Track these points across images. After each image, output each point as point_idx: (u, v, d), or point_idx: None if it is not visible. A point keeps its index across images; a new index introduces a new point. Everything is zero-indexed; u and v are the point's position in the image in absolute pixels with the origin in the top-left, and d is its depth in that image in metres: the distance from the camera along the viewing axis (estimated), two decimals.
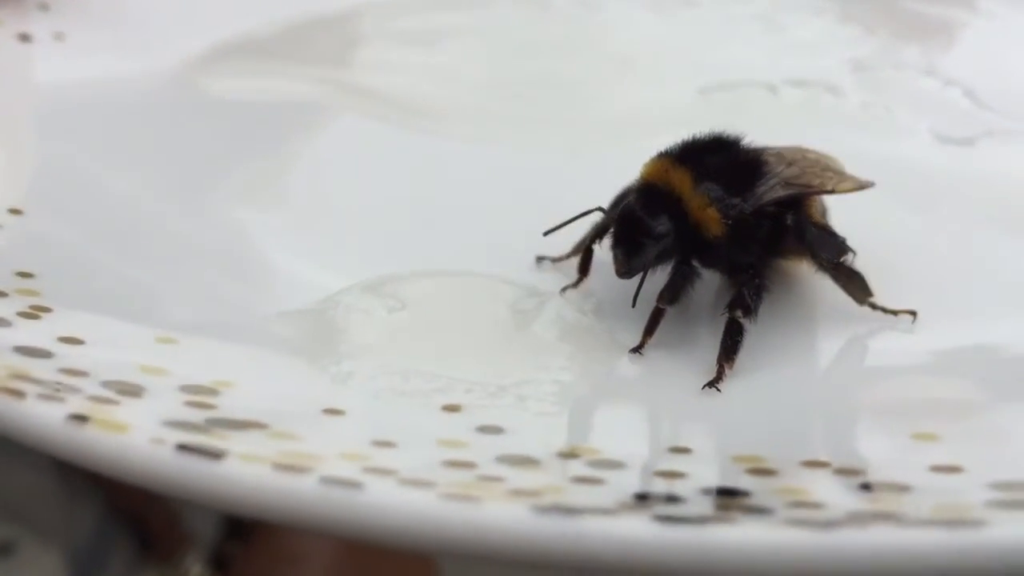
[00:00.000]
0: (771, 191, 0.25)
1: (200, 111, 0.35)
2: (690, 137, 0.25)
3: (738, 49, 0.39)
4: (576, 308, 0.26)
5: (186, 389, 0.20)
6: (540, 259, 0.27)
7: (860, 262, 0.26)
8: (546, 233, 0.25)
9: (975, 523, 0.15)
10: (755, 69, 0.37)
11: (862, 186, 0.26)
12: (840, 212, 0.27)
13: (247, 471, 0.16)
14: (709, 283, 0.25)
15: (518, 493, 0.16)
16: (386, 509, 0.15)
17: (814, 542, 0.14)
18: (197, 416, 0.18)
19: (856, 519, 0.15)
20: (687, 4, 0.42)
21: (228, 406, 0.19)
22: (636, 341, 0.24)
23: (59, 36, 0.35)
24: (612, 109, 0.36)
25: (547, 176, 0.32)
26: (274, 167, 0.32)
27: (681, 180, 0.24)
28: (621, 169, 0.26)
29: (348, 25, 0.40)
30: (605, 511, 0.15)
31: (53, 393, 0.18)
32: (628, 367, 0.24)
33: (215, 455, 0.16)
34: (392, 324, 0.24)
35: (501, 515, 0.15)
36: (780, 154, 0.26)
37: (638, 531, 0.15)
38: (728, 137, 0.26)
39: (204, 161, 0.32)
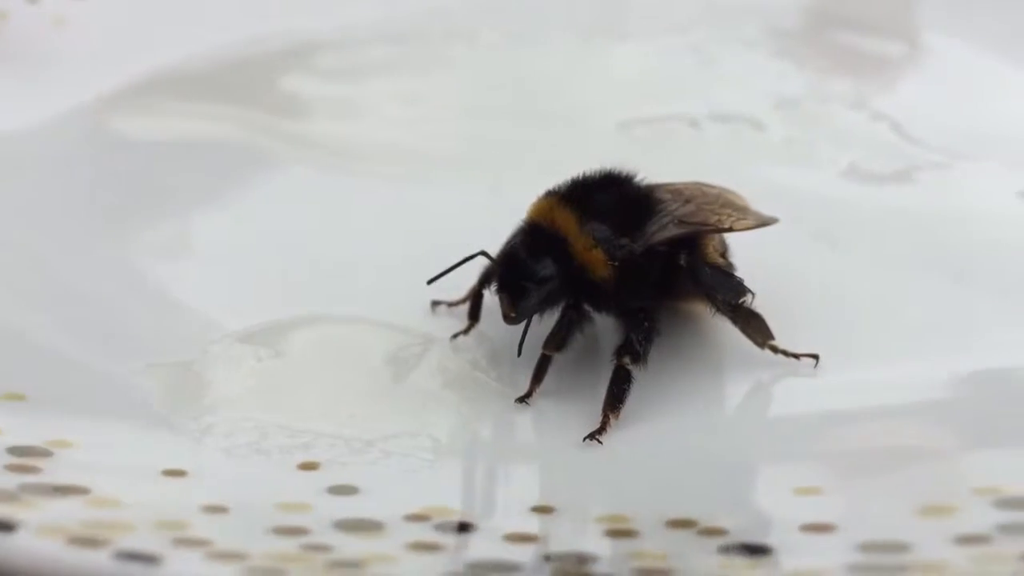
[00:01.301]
0: (663, 230, 0.23)
1: (113, 151, 0.34)
2: (580, 175, 0.24)
3: (664, 82, 0.38)
4: (463, 356, 0.24)
5: (13, 451, 0.19)
6: (435, 304, 0.26)
7: (768, 302, 0.24)
8: (430, 281, 0.24)
9: None
10: (680, 102, 0.36)
11: (764, 223, 0.25)
12: (749, 249, 0.26)
13: (38, 544, 0.15)
14: (607, 325, 0.24)
15: (335, 565, 0.15)
16: None
17: None
18: (11, 482, 0.17)
19: None
20: (621, 37, 0.41)
21: (55, 470, 0.18)
22: (525, 389, 0.23)
23: None
24: (538, 146, 0.34)
25: (462, 216, 0.30)
26: (173, 210, 0.31)
27: (566, 220, 0.23)
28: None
29: (273, 62, 0.39)
30: None
31: None
32: (514, 417, 0.23)
33: (7, 527, 0.15)
34: (261, 374, 0.23)
35: None
36: (678, 190, 0.25)
37: None
38: (619, 174, 0.24)
39: (102, 204, 0.31)
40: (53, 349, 0.24)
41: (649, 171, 0.30)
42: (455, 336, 0.25)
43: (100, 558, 0.14)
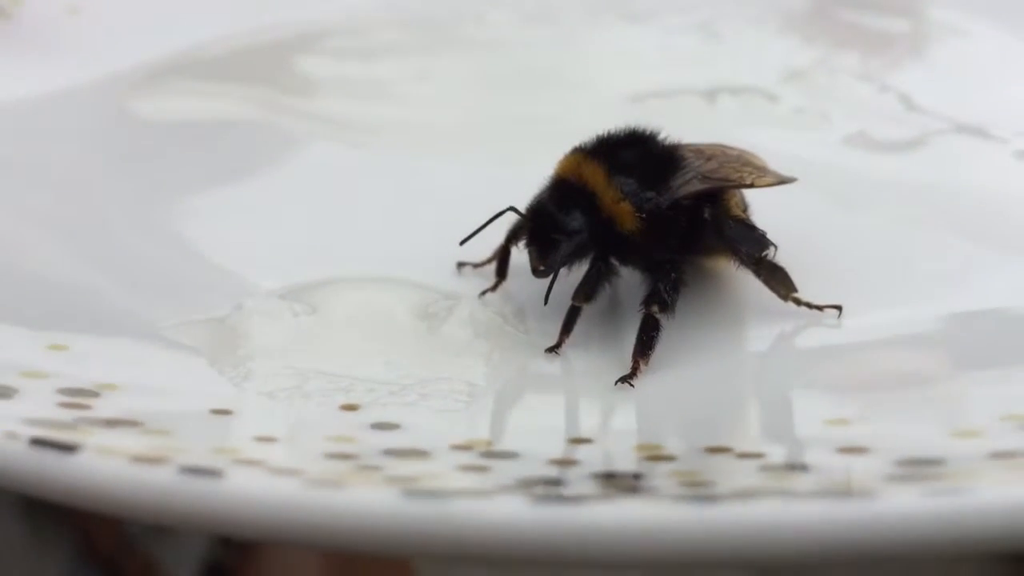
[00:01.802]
0: (687, 185, 0.24)
1: (132, 132, 0.34)
2: (605, 132, 0.25)
3: (675, 58, 0.38)
4: (493, 310, 0.25)
5: (64, 391, 0.19)
6: (461, 265, 0.26)
7: (784, 258, 0.25)
8: (462, 242, 0.24)
9: (863, 495, 0.14)
10: (691, 77, 0.36)
11: (783, 181, 0.26)
12: (765, 209, 0.26)
13: (101, 463, 0.15)
14: (633, 279, 0.25)
15: (391, 480, 0.15)
16: (247, 498, 0.15)
17: (687, 515, 0.13)
18: (67, 415, 0.18)
19: (741, 494, 0.14)
20: (628, 17, 0.41)
21: (104, 407, 0.18)
22: (554, 340, 0.23)
23: None
24: (552, 121, 0.35)
25: (482, 185, 0.31)
26: (203, 182, 0.32)
27: (594, 174, 0.23)
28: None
29: (286, 44, 0.40)
30: (479, 494, 0.15)
31: None
32: (544, 366, 0.23)
33: (69, 448, 0.15)
34: (298, 328, 0.23)
35: (366, 499, 0.14)
36: (700, 150, 0.26)
37: (508, 511, 0.14)
38: (644, 132, 0.25)
39: (138, 179, 0.31)
40: (94, 304, 0.24)
41: None
42: (483, 293, 0.25)
43: (165, 474, 0.15)
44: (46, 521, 0.39)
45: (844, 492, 0.14)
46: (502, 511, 0.14)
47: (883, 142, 0.33)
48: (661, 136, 0.25)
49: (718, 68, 0.37)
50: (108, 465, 0.15)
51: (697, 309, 0.24)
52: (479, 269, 0.26)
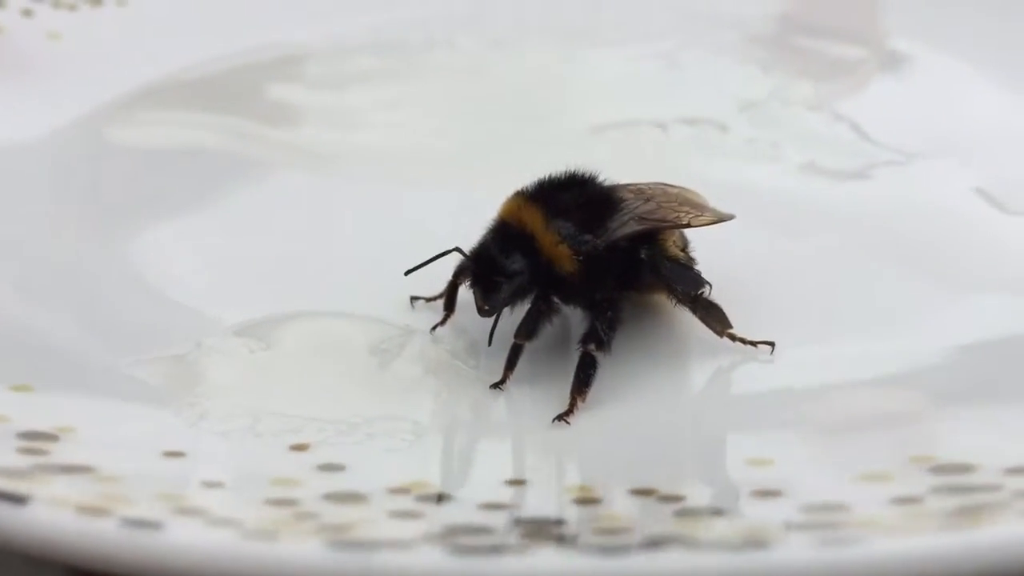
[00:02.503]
0: (624, 226, 0.25)
1: (107, 160, 0.35)
2: (546, 175, 0.26)
3: (636, 88, 0.39)
4: (442, 346, 0.26)
5: (23, 435, 0.20)
6: (414, 299, 0.27)
7: (730, 290, 0.26)
8: (407, 273, 0.25)
9: (770, 543, 0.15)
10: (649, 107, 0.37)
11: (721, 219, 0.27)
12: (710, 243, 0.27)
13: (49, 515, 0.16)
14: (576, 317, 0.26)
15: (323, 529, 0.16)
16: (185, 549, 0.16)
17: (592, 567, 0.14)
18: (24, 462, 0.19)
19: (652, 543, 0.15)
20: (596, 44, 0.42)
21: (62, 452, 0.19)
22: (499, 376, 0.24)
23: None
24: (511, 150, 0.36)
25: (437, 217, 0.32)
26: (167, 214, 0.32)
27: (533, 218, 0.24)
28: None
29: (263, 72, 0.41)
30: (403, 544, 0.16)
31: None
32: (489, 402, 0.24)
33: (19, 500, 0.16)
34: (253, 365, 0.24)
35: (296, 552, 0.15)
36: (640, 190, 0.27)
37: (434, 562, 0.15)
38: (583, 174, 0.26)
39: (107, 208, 0.32)
40: (57, 344, 0.25)
41: (620, 171, 0.31)
42: (434, 328, 0.26)
43: (108, 525, 0.16)
44: None
45: (746, 541, 0.15)
46: (422, 562, 0.15)
47: (833, 171, 0.33)
48: (600, 178, 0.26)
49: (676, 98, 0.38)
50: (55, 517, 0.16)
51: (636, 344, 0.25)
52: (431, 303, 0.27)
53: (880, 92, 0.39)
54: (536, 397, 0.24)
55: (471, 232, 0.27)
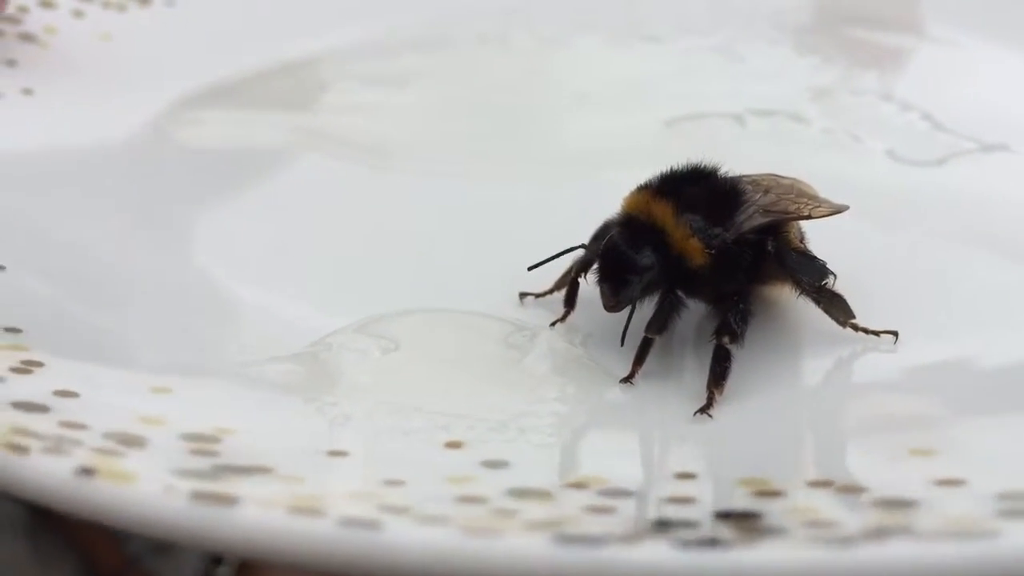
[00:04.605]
0: (750, 219, 0.25)
1: (170, 160, 0.35)
2: (668, 169, 0.26)
3: (700, 81, 0.39)
4: (566, 341, 0.26)
5: (187, 437, 0.20)
6: (523, 295, 0.27)
7: (838, 284, 0.26)
8: (530, 268, 0.26)
9: (990, 533, 0.15)
10: (719, 100, 0.37)
11: (837, 210, 0.27)
12: (813, 235, 0.27)
13: (263, 516, 0.16)
14: (692, 312, 0.26)
15: (536, 525, 0.16)
16: (407, 547, 0.16)
17: (837, 560, 0.15)
18: (203, 464, 0.18)
19: (871, 534, 0.15)
20: (646, 39, 0.42)
21: (231, 452, 0.19)
22: (626, 371, 0.24)
23: (27, 92, 0.35)
24: (578, 142, 0.36)
25: (518, 210, 0.32)
26: (249, 213, 0.32)
27: (663, 212, 0.25)
28: (594, 201, 0.26)
29: (310, 70, 0.41)
30: (624, 538, 0.16)
31: (57, 447, 0.18)
32: (620, 396, 0.24)
33: (230, 501, 0.16)
34: (387, 364, 0.24)
35: (523, 547, 0.15)
36: (755, 182, 0.27)
37: (663, 557, 0.15)
38: (705, 167, 0.26)
39: (179, 210, 0.32)
40: (173, 351, 0.25)
41: None
42: (554, 323, 0.26)
43: (326, 525, 0.16)
44: (50, 540, 0.40)
45: (965, 530, 0.15)
46: (652, 556, 0.15)
47: (914, 160, 0.34)
48: (722, 171, 0.26)
49: (744, 90, 0.38)
50: (269, 518, 0.16)
51: (761, 337, 0.26)
52: (539, 300, 0.27)
53: (938, 79, 0.39)
54: (665, 391, 0.24)
55: (560, 225, 0.27)
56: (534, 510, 0.17)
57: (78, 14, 0.40)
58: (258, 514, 0.16)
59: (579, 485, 0.19)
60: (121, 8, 0.41)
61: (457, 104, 0.39)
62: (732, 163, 0.28)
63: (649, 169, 0.26)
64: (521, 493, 0.18)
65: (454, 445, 0.21)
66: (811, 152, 0.35)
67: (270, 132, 0.37)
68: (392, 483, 0.18)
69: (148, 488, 0.17)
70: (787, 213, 0.26)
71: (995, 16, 0.41)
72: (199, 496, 0.16)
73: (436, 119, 0.38)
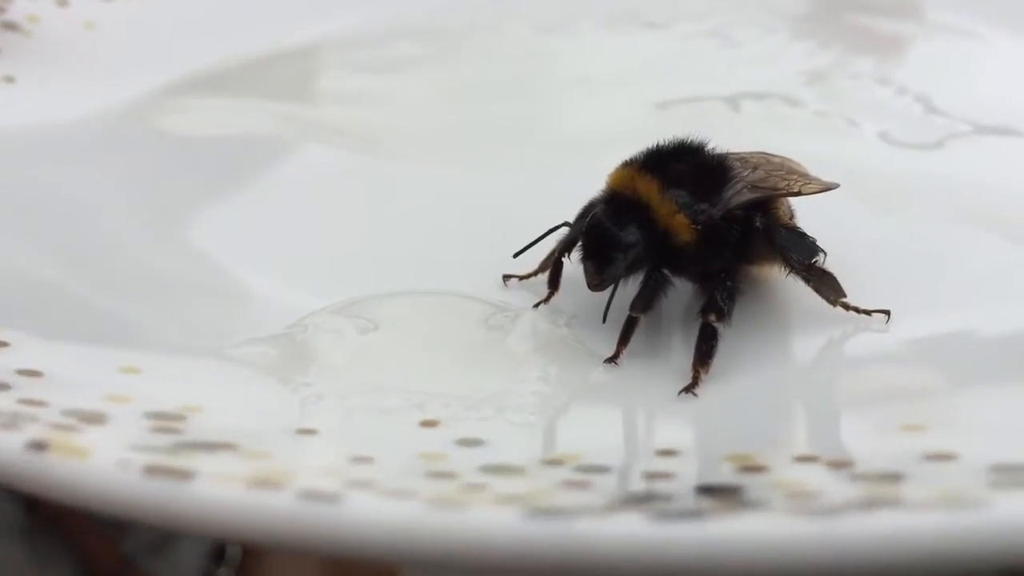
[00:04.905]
0: (738, 195, 0.24)
1: (156, 148, 0.34)
2: (654, 145, 0.25)
3: (695, 65, 0.39)
4: (548, 322, 0.25)
5: (151, 415, 0.19)
6: (507, 278, 0.27)
7: (828, 264, 0.25)
8: (516, 255, 0.25)
9: (981, 503, 0.14)
10: (714, 84, 0.37)
11: (828, 187, 0.26)
12: (804, 215, 0.27)
13: (220, 490, 0.15)
14: (678, 290, 0.25)
15: (505, 499, 0.16)
16: (369, 521, 0.15)
17: (819, 530, 0.14)
18: (163, 441, 0.18)
19: (857, 506, 0.15)
20: (643, 25, 0.42)
21: (195, 430, 0.19)
22: (610, 351, 0.24)
23: (9, 79, 0.35)
24: (572, 128, 0.35)
25: (511, 195, 0.31)
26: (236, 198, 0.31)
27: (648, 188, 0.24)
28: (586, 185, 0.26)
29: (304, 58, 0.40)
30: (597, 511, 0.15)
31: (11, 422, 0.17)
32: (604, 376, 0.24)
33: (184, 475, 0.16)
34: (364, 344, 0.24)
35: (490, 521, 0.15)
36: (744, 159, 0.26)
37: (636, 529, 0.14)
38: (692, 143, 0.25)
39: (165, 195, 0.31)
40: (151, 329, 0.24)
41: None
42: (537, 305, 0.26)
43: (285, 498, 0.15)
44: (47, 540, 0.39)
45: (953, 502, 0.15)
46: (624, 529, 0.14)
47: (910, 144, 0.33)
48: (709, 147, 0.25)
49: (739, 74, 0.37)
50: (226, 492, 0.15)
51: (749, 315, 0.25)
52: (524, 282, 0.27)
53: (936, 64, 0.39)
54: (651, 370, 0.24)
55: (549, 208, 0.26)
56: (506, 485, 0.17)
57: (62, 3, 0.40)
58: (214, 488, 0.15)
59: (556, 462, 0.18)
60: None
61: (451, 91, 0.38)
62: (725, 145, 0.28)
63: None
64: (495, 469, 0.18)
65: (429, 424, 0.20)
66: (805, 135, 0.34)
67: (259, 120, 0.36)
68: (361, 460, 0.18)
69: (101, 463, 0.16)
70: (776, 190, 0.25)
71: (995, 2, 0.40)
72: (153, 470, 0.16)
73: (429, 106, 0.37)
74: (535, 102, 0.37)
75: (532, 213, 0.29)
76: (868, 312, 0.25)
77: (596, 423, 0.21)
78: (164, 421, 0.19)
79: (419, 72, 0.39)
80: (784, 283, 0.25)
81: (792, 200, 0.26)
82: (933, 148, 0.33)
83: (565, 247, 0.25)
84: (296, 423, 0.20)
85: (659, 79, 0.37)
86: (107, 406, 0.19)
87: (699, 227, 0.24)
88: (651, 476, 0.17)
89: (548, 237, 0.26)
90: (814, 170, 0.28)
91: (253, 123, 0.36)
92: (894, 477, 0.17)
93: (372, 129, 0.36)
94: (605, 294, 0.24)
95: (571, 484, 0.17)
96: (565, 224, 0.25)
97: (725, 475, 0.17)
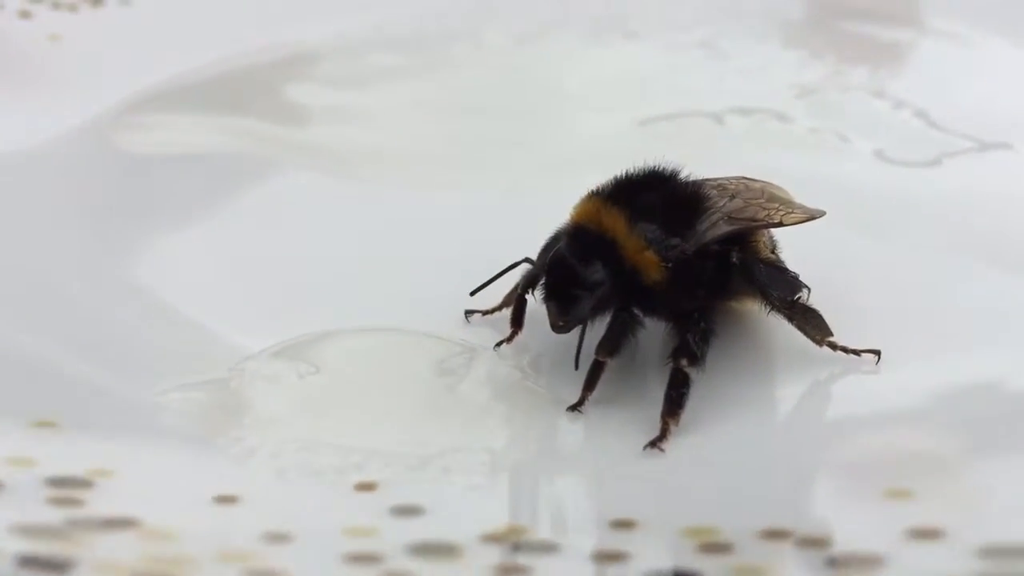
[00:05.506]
0: (713, 228, 0.22)
1: (108, 168, 0.32)
2: (623, 173, 0.23)
3: (681, 79, 0.37)
4: (510, 364, 0.23)
5: (54, 482, 0.17)
6: (469, 313, 0.25)
7: (816, 297, 0.23)
8: (473, 293, 0.23)
9: None
10: (699, 99, 0.35)
11: (812, 216, 0.24)
12: (791, 242, 0.25)
13: None
14: (655, 329, 0.23)
15: None
16: None
17: None
18: (57, 516, 0.16)
19: None
20: (627, 35, 0.40)
21: (99, 500, 0.17)
22: (576, 396, 0.22)
23: None
24: (552, 146, 0.33)
25: (481, 219, 0.29)
26: (188, 225, 0.30)
27: (615, 221, 0.22)
28: (560, 208, 0.24)
29: (274, 71, 0.38)
30: None
31: None
32: (567, 426, 0.22)
33: (61, 567, 0.14)
34: (304, 391, 0.22)
35: None
36: (722, 186, 0.24)
37: None
38: (664, 171, 0.23)
39: (110, 222, 0.30)
40: (77, 374, 0.22)
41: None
42: (498, 344, 0.24)
43: None
44: None
45: None
46: None
47: (905, 161, 0.31)
48: (682, 175, 0.24)
49: (726, 87, 0.36)
50: None
51: (726, 358, 0.23)
52: (487, 317, 0.25)
53: (933, 75, 0.37)
54: (619, 419, 0.22)
55: (512, 236, 0.24)
56: (432, 573, 0.15)
57: (25, 15, 0.38)
58: None
59: (496, 538, 0.16)
60: (73, 8, 0.39)
61: (424, 107, 0.36)
62: (709, 165, 0.26)
63: (619, 169, 0.24)
64: (424, 550, 0.16)
65: (365, 487, 0.19)
66: (794, 153, 0.32)
67: (222, 138, 0.35)
68: (277, 538, 0.16)
69: None
70: (755, 220, 0.23)
71: (997, 10, 0.38)
72: (27, 561, 0.14)
73: (401, 123, 0.35)
74: (511, 119, 0.35)
75: (502, 239, 0.27)
76: (857, 352, 0.23)
77: (550, 486, 0.20)
78: (66, 490, 0.17)
79: (392, 86, 0.37)
80: (766, 320, 0.24)
81: (776, 229, 0.24)
82: (930, 165, 0.31)
83: (528, 283, 0.23)
84: (217, 488, 0.18)
85: (642, 93, 0.36)
86: (5, 472, 0.17)
87: (669, 264, 0.22)
88: (603, 558, 0.15)
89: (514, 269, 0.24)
90: (803, 192, 0.26)
91: (215, 141, 0.34)
92: (872, 560, 0.15)
93: (338, 148, 0.34)
94: (574, 333, 0.22)
95: (506, 570, 0.15)
96: (527, 260, 0.23)
97: (684, 556, 0.15)
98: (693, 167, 0.26)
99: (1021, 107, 0.34)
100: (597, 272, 0.22)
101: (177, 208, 0.31)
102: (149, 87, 0.36)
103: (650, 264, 0.22)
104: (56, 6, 0.39)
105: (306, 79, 0.38)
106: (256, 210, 0.30)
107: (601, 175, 0.24)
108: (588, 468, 0.20)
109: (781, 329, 0.23)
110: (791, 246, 0.25)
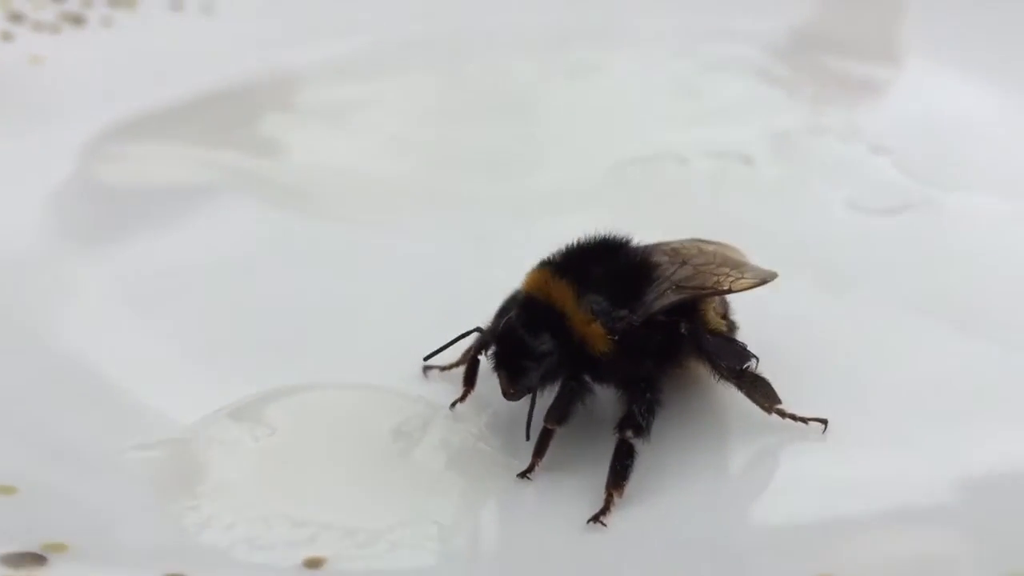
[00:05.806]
0: (661, 298, 0.23)
1: (85, 202, 0.33)
2: (575, 242, 0.24)
3: (652, 118, 0.37)
4: (466, 425, 0.24)
5: (7, 560, 0.18)
6: (427, 369, 0.25)
7: (769, 360, 0.24)
8: (426, 359, 0.23)
9: None
10: (669, 139, 0.35)
11: (763, 280, 0.24)
12: (747, 302, 0.25)
13: None
14: (611, 394, 0.24)
15: None
16: None
17: None
18: None
19: None
20: (599, 69, 0.40)
21: None
22: (529, 458, 0.22)
23: None
24: (523, 187, 0.34)
25: (441, 267, 0.30)
26: (144, 265, 0.30)
27: (563, 293, 0.22)
28: (528, 253, 0.24)
29: (242, 101, 0.38)
30: None
31: None
32: (517, 494, 0.22)
33: None
34: (259, 456, 0.22)
35: None
36: (675, 250, 0.25)
37: None
38: (615, 239, 0.24)
39: (70, 264, 0.30)
40: (39, 433, 0.23)
41: (641, 212, 0.29)
42: (454, 404, 0.24)
43: None
44: None
45: None
46: None
47: (871, 210, 0.31)
48: (634, 242, 0.24)
49: (697, 126, 0.36)
50: None
51: (675, 425, 0.23)
52: (445, 372, 0.25)
53: (907, 116, 0.37)
54: (569, 486, 0.22)
55: (479, 284, 0.25)
56: None
57: (6, 36, 0.39)
58: None
59: None
60: (55, 30, 0.40)
61: (390, 143, 0.36)
62: (673, 212, 0.26)
63: (587, 216, 0.25)
64: None
65: (313, 563, 0.19)
66: (758, 200, 0.32)
67: (191, 170, 0.35)
68: None
69: None
70: (703, 288, 0.24)
71: (982, 52, 0.38)
72: None
73: (368, 157, 0.35)
74: (485, 156, 0.35)
75: (462, 288, 0.28)
76: (805, 420, 0.23)
77: (497, 562, 0.20)
78: (19, 570, 0.18)
79: (365, 117, 0.38)
80: (716, 386, 0.24)
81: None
82: (899, 213, 0.31)
83: (481, 347, 0.24)
84: (166, 566, 0.19)
85: (614, 133, 0.36)
86: None
87: (616, 336, 0.22)
88: None
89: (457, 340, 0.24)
90: (764, 244, 0.27)
91: (183, 173, 0.35)
92: None
93: (303, 181, 0.34)
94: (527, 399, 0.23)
95: None
96: (477, 329, 0.23)
97: None
98: (659, 213, 0.27)
99: (991, 152, 0.34)
100: (545, 343, 0.22)
101: (129, 247, 0.30)
102: (127, 115, 0.36)
103: (597, 336, 0.22)
104: (38, 28, 0.39)
105: (285, 109, 0.39)
106: (215, 251, 0.30)
107: (572, 218, 0.25)
108: (529, 543, 0.21)
109: (730, 394, 0.24)
110: (747, 306, 0.25)
